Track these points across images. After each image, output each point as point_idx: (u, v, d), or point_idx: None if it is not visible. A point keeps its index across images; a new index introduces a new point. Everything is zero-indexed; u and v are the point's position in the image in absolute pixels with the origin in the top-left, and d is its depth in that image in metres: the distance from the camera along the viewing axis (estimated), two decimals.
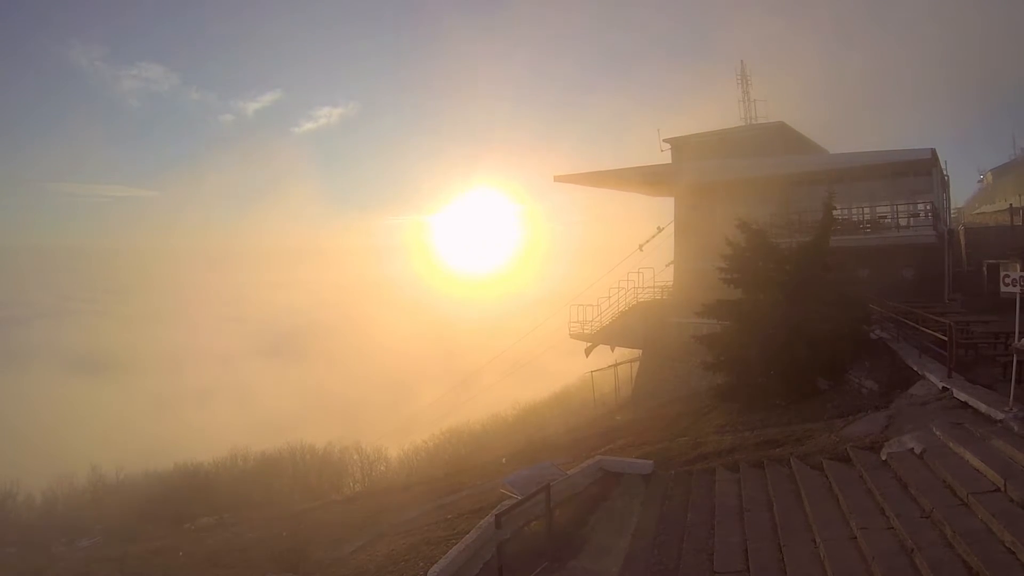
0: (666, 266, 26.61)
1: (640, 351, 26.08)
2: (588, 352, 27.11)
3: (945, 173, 24.13)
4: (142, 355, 64.54)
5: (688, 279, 24.09)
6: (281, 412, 43.36)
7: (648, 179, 27.20)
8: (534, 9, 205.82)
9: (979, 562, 5.54)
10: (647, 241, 27.29)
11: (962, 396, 9.83)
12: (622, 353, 27.97)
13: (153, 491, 23.79)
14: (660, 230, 27.15)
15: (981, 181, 46.60)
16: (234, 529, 19.36)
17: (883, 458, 8.75)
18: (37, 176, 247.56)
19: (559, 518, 9.24)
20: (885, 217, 22.52)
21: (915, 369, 12.34)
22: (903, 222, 21.69)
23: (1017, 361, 8.98)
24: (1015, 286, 9.03)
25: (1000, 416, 8.47)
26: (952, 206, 29.22)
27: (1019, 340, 8.96)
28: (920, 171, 21.55)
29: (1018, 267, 11.60)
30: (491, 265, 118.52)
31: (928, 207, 21.49)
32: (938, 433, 8.65)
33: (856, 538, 6.83)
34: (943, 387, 10.66)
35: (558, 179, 30.15)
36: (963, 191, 50.40)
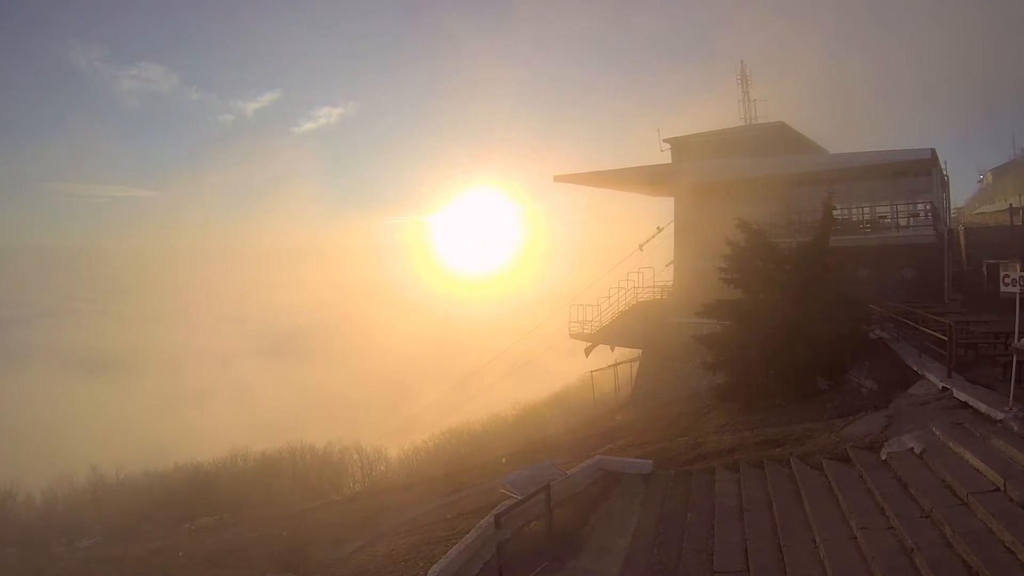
0: (666, 266, 26.61)
1: (640, 351, 26.08)
2: (588, 352, 27.11)
3: (945, 173, 24.15)
4: (142, 355, 64.54)
5: (688, 279, 24.08)
6: (281, 412, 43.36)
7: (648, 179, 27.18)
8: (534, 9, 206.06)
9: (979, 562, 5.54)
10: (647, 241, 27.30)
11: (962, 396, 9.83)
12: (622, 353, 27.96)
13: (153, 491, 23.79)
14: (660, 230, 27.17)
15: (981, 181, 46.68)
16: (234, 529, 19.36)
17: (883, 458, 8.75)
18: (37, 176, 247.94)
19: (559, 518, 9.23)
20: (885, 217, 22.51)
21: (915, 369, 12.35)
22: (903, 222, 21.69)
23: (1017, 361, 8.99)
24: (1015, 286, 9.04)
25: (1000, 416, 8.48)
26: (952, 206, 29.30)
27: (1019, 340, 8.97)
28: (920, 171, 21.55)
29: (1018, 267, 11.58)
30: (491, 265, 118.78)
31: (928, 207, 21.49)
32: (938, 433, 8.65)
33: (856, 538, 6.84)
34: (943, 387, 10.67)
35: (558, 179, 30.18)
36: (963, 191, 50.51)
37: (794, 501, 8.39)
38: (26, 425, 37.51)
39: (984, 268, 21.71)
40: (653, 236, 27.24)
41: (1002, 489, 6.59)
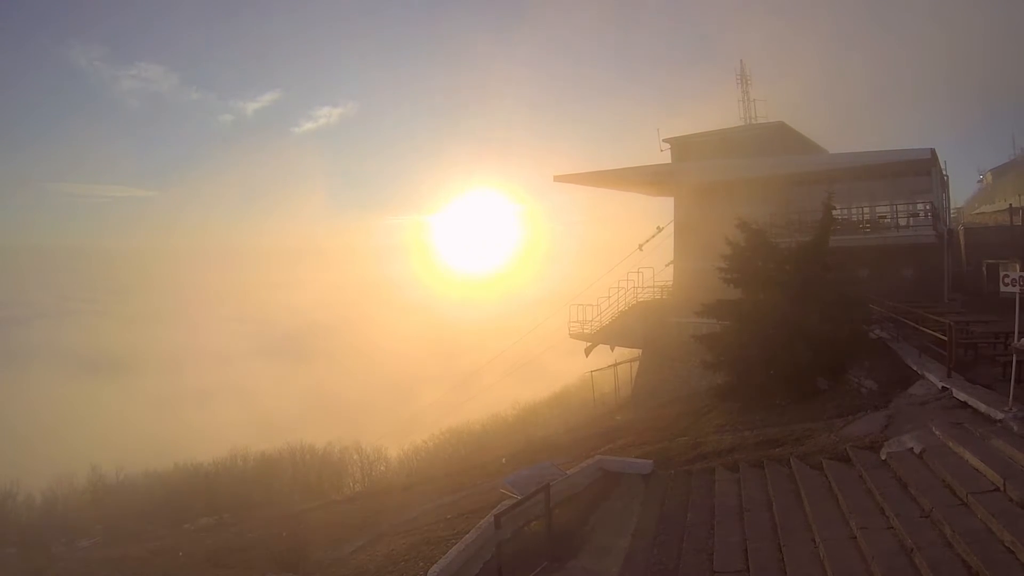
0: (666, 266, 26.62)
1: (640, 351, 26.08)
2: (588, 352, 27.11)
3: (945, 173, 24.16)
4: (142, 355, 64.69)
5: (688, 279, 24.09)
6: (281, 412, 43.42)
7: (648, 179, 27.20)
8: (535, 9, 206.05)
9: (979, 562, 5.54)
10: (647, 241, 27.31)
11: (962, 396, 9.83)
12: (622, 353, 27.96)
13: (153, 491, 23.82)
14: (660, 230, 27.18)
15: (981, 181, 46.67)
16: (234, 529, 19.37)
17: (883, 458, 8.75)
18: (37, 176, 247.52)
19: (559, 518, 9.23)
20: (885, 217, 22.52)
21: (915, 369, 12.35)
22: (903, 222, 21.69)
23: (1017, 361, 9.00)
24: (1015, 286, 9.04)
25: (1000, 416, 8.48)
26: (952, 206, 29.31)
27: (1019, 340, 8.97)
28: (920, 171, 21.56)
29: (1018, 267, 11.60)
30: (491, 265, 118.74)
31: (928, 207, 21.49)
32: (937, 433, 8.65)
33: (856, 538, 6.84)
34: (943, 387, 10.67)
35: (558, 179, 30.19)
36: (963, 191, 50.49)
37: (794, 501, 8.39)
38: (26, 425, 37.60)
39: (984, 268, 21.76)
40: (653, 236, 27.28)
41: (1002, 489, 6.59)
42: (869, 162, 21.63)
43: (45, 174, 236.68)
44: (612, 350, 27.59)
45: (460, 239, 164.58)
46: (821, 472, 9.02)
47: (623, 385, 27.43)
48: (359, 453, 27.31)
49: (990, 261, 21.19)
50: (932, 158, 20.88)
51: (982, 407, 9.07)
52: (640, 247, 27.27)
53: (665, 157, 27.32)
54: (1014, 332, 9.23)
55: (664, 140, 27.35)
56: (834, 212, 16.62)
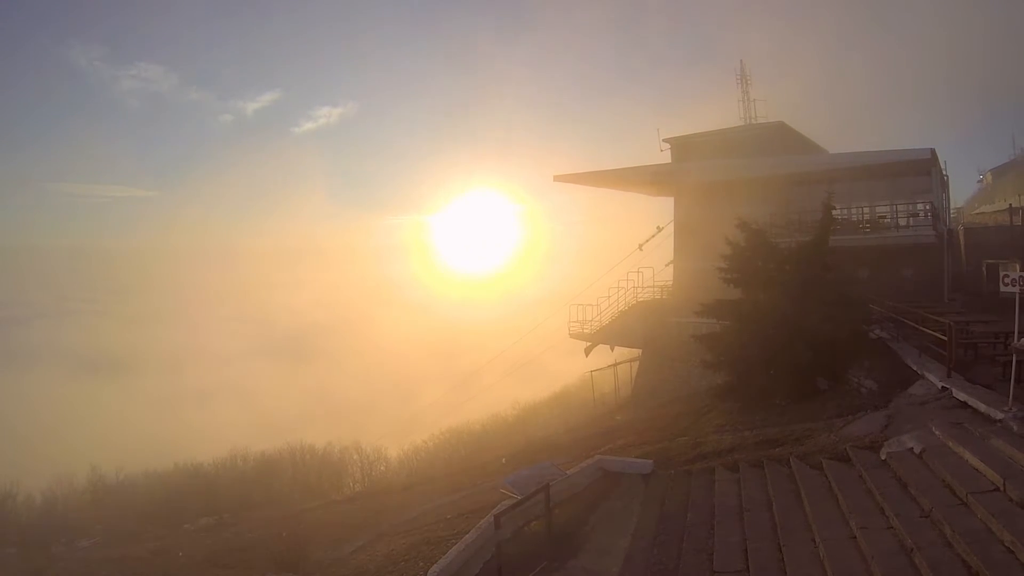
0: (666, 266, 26.62)
1: (640, 351, 26.09)
2: (588, 352, 27.12)
3: (945, 173, 24.16)
4: (142, 355, 64.66)
5: (688, 279, 24.10)
6: (281, 412, 43.43)
7: (648, 179, 27.21)
8: (535, 9, 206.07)
9: (978, 561, 5.55)
10: (647, 241, 27.33)
11: (961, 396, 9.83)
12: (622, 353, 27.97)
13: (153, 491, 23.80)
14: (660, 230, 27.19)
15: (981, 181, 46.68)
16: (234, 529, 19.35)
17: (883, 458, 8.75)
18: (37, 176, 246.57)
19: (559, 518, 9.24)
20: (885, 217, 22.52)
21: (915, 369, 12.35)
22: (903, 222, 21.70)
23: (1016, 361, 9.01)
24: (1014, 286, 9.04)
25: (999, 416, 8.48)
26: (952, 206, 29.34)
27: (1018, 340, 8.98)
28: (920, 171, 21.56)
29: (1018, 267, 11.60)
30: (491, 265, 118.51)
31: (928, 207, 21.50)
32: (937, 433, 8.65)
33: (856, 538, 6.84)
34: (942, 387, 10.67)
35: (558, 179, 30.20)
36: (963, 191, 50.42)
37: (794, 501, 8.39)
38: (26, 425, 37.58)
39: (984, 268, 21.75)
40: (653, 236, 27.29)
41: (1001, 489, 6.59)
42: (869, 162, 21.63)
43: (45, 174, 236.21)
44: (612, 350, 27.60)
45: (460, 239, 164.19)
46: (821, 472, 9.03)
47: (623, 385, 27.43)
48: (359, 453, 27.31)
49: (990, 261, 21.18)
50: (932, 158, 20.88)
51: (982, 407, 9.07)
52: (640, 247, 27.29)
53: (665, 157, 27.33)
54: (1014, 332, 9.23)
55: (664, 140, 27.37)
56: (834, 212, 16.63)
